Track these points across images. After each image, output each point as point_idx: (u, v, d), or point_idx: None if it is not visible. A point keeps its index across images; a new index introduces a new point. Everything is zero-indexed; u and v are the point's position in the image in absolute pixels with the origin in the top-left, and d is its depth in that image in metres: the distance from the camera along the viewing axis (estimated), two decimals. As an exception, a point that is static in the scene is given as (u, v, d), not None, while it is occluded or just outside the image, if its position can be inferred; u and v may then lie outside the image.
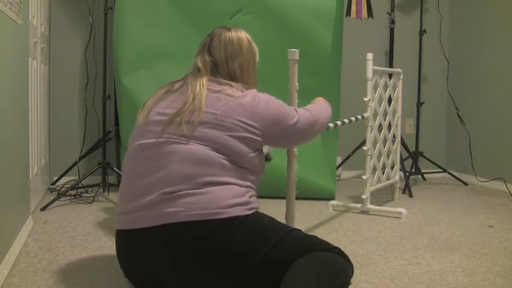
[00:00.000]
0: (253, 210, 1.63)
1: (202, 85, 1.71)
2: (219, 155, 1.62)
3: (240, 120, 1.65)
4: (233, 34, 1.83)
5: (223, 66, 1.79)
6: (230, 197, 1.58)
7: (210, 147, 1.62)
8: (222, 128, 1.63)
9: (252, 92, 1.74)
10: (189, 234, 1.53)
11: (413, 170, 4.09)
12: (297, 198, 2.17)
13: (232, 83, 1.75)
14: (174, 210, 1.55)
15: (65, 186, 3.54)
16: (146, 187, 1.61)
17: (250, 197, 1.65)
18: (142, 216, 1.58)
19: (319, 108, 1.98)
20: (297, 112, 1.83)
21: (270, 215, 1.69)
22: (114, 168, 3.44)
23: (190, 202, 1.55)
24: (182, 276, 1.57)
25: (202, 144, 1.61)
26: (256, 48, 1.89)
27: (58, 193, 3.32)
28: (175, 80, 1.81)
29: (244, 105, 1.68)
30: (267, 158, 2.04)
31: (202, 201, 1.55)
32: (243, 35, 1.85)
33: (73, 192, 3.37)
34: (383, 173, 3.29)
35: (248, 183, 1.68)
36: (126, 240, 1.64)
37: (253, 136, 1.67)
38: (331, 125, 2.52)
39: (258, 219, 1.62)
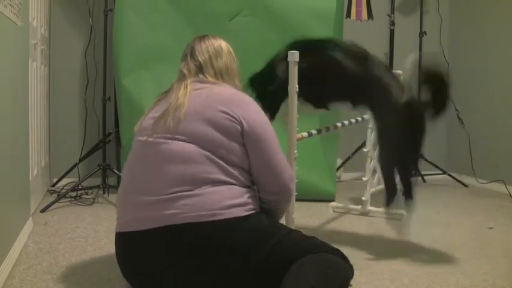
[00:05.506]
0: (254, 211, 1.63)
1: (186, 86, 1.74)
2: (205, 152, 1.62)
3: (220, 110, 1.65)
4: (211, 40, 1.85)
5: (208, 66, 1.81)
6: (227, 198, 1.58)
7: (195, 143, 1.63)
8: (203, 121, 1.64)
9: (240, 92, 1.79)
10: (187, 235, 1.54)
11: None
12: (297, 199, 2.16)
13: (217, 82, 1.78)
14: (171, 213, 1.55)
15: (65, 187, 3.54)
16: (143, 190, 1.62)
17: (248, 197, 1.65)
18: (141, 219, 1.59)
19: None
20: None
21: (270, 216, 1.69)
22: (114, 170, 3.44)
23: (187, 204, 1.56)
24: (182, 275, 1.57)
25: (186, 141, 1.63)
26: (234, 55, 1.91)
27: (58, 195, 3.31)
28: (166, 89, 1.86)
29: (225, 97, 1.69)
30: None
31: (199, 203, 1.56)
32: (221, 41, 1.87)
33: (73, 193, 3.36)
34: (383, 174, 3.28)
35: (246, 183, 1.68)
36: (126, 242, 1.65)
37: (234, 124, 1.65)
38: (331, 126, 2.53)
39: (258, 220, 1.62)
